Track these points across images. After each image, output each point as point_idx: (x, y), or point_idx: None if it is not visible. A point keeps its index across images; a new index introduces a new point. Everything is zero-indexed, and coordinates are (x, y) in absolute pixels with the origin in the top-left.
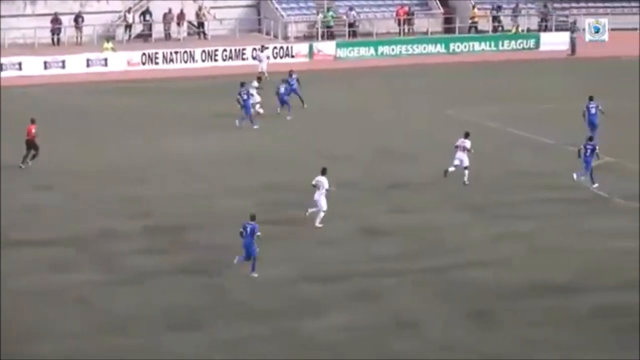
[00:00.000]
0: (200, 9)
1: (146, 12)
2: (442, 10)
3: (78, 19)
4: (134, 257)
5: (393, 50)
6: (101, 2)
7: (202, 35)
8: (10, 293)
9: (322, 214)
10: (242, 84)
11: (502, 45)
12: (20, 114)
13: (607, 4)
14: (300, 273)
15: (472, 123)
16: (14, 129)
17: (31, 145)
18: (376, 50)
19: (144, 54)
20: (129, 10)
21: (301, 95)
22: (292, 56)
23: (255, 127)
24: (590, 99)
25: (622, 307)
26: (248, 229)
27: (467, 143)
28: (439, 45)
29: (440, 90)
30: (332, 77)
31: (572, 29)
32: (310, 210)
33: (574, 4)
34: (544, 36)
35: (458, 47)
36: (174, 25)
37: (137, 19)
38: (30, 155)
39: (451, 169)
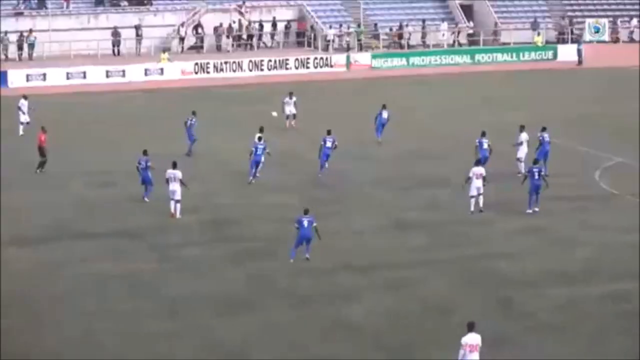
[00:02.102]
0: (250, 23)
1: (198, 26)
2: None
3: (137, 31)
4: None
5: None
6: (157, 16)
7: (249, 47)
8: None
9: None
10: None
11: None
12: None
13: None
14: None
15: None
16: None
17: (41, 152)
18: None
19: (196, 64)
20: (182, 24)
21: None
22: None
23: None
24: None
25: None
26: (305, 222)
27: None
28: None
29: None
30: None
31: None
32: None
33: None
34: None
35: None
36: (223, 38)
37: (189, 32)
38: (41, 162)
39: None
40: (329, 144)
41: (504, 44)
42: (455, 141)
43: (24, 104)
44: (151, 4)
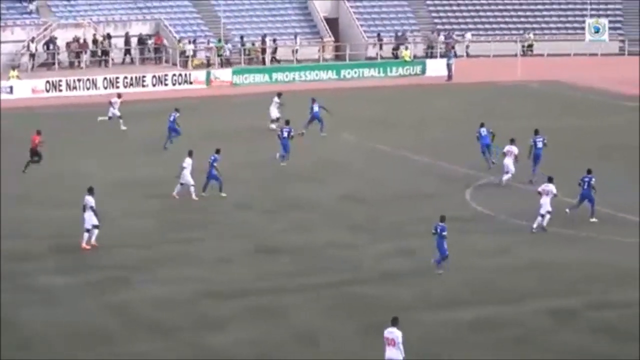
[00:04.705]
0: (104, 37)
1: (50, 42)
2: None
3: None
4: None
5: None
6: (6, 32)
7: (104, 63)
8: None
9: (549, 217)
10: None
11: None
12: None
13: None
14: None
15: None
16: None
17: (34, 153)
18: None
19: (48, 81)
20: (32, 40)
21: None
22: None
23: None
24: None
25: None
26: (438, 229)
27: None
28: None
29: None
30: None
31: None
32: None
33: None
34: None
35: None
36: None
37: (40, 48)
38: (28, 162)
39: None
40: (285, 134)
41: (371, 58)
42: (324, 162)
43: None
44: None
